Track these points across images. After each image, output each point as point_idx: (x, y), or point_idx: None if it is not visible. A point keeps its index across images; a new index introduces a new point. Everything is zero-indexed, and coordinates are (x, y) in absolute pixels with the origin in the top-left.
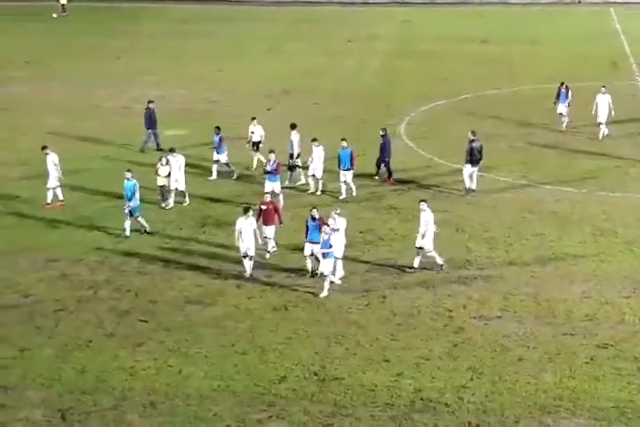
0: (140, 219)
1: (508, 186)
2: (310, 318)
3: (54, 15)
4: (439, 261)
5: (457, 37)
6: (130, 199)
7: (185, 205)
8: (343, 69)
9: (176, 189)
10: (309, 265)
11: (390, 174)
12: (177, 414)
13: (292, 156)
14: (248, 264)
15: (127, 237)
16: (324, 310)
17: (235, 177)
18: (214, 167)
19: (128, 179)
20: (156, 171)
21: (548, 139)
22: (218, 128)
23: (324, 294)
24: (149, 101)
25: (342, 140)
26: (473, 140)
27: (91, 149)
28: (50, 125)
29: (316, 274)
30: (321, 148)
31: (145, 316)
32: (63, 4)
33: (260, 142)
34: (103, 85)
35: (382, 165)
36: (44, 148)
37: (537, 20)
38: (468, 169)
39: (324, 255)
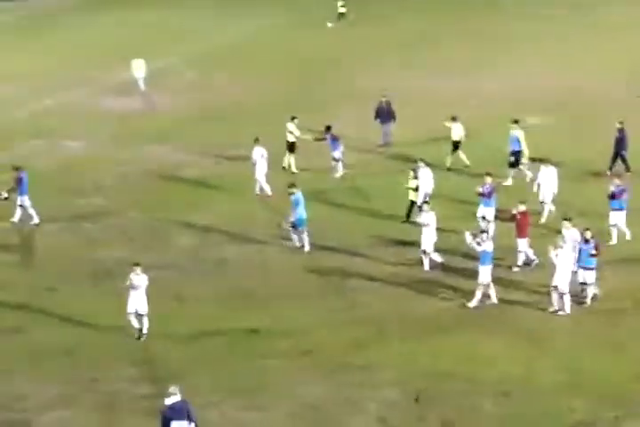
0: (303, 235)
1: None
2: None
3: (329, 24)
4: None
5: None
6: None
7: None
8: None
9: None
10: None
11: (628, 168)
12: (529, 405)
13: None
14: (426, 260)
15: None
16: None
17: (341, 173)
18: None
19: (292, 193)
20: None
21: None
22: (328, 127)
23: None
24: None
25: (615, 176)
26: None
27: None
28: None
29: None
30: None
31: (498, 304)
32: (342, 13)
33: (294, 143)
34: (485, 70)
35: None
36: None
37: None
38: None
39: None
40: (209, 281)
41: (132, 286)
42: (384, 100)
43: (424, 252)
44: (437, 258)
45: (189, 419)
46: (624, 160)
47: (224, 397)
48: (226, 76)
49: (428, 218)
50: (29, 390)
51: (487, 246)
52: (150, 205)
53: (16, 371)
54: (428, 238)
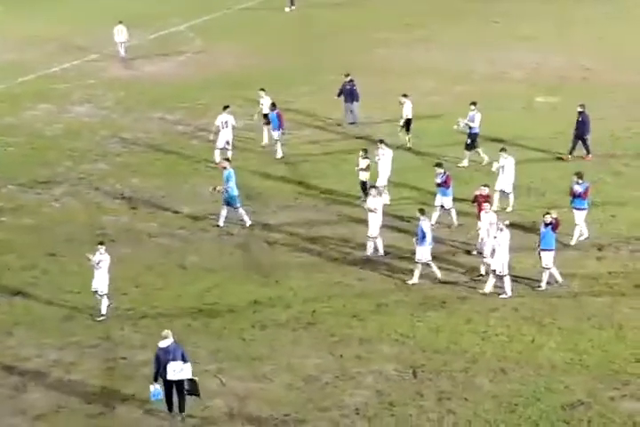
0: (239, 210)
1: None
2: None
3: (287, 9)
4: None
5: None
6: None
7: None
8: None
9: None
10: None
11: (588, 151)
12: (527, 382)
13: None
14: (370, 245)
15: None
16: None
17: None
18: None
19: (225, 168)
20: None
21: None
22: (273, 105)
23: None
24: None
25: (576, 175)
26: None
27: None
28: (421, 88)
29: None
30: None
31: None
32: None
33: (267, 115)
34: (479, 49)
35: (580, 142)
36: None
37: None
38: None
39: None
40: (212, 251)
41: (95, 265)
42: (347, 79)
43: (369, 237)
44: (380, 245)
45: (183, 359)
46: (585, 143)
47: (223, 366)
48: (232, 45)
49: (374, 203)
50: (29, 353)
51: (425, 226)
52: (154, 172)
53: (16, 334)
54: (375, 224)
